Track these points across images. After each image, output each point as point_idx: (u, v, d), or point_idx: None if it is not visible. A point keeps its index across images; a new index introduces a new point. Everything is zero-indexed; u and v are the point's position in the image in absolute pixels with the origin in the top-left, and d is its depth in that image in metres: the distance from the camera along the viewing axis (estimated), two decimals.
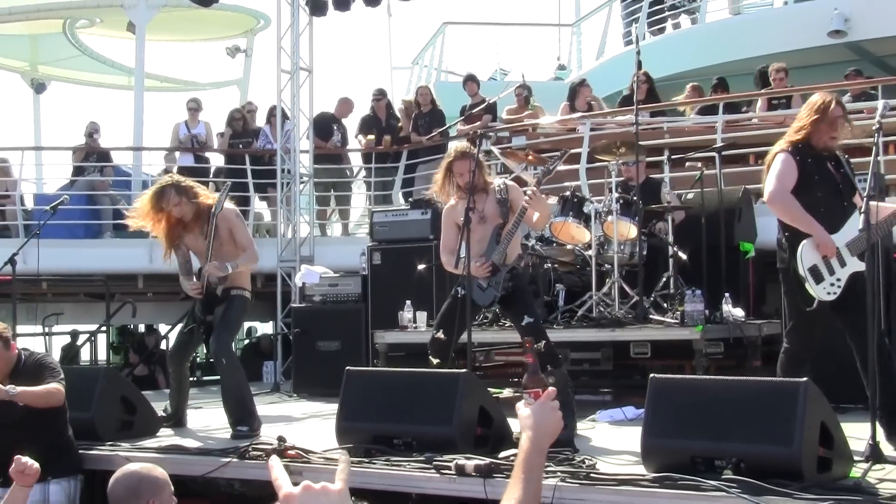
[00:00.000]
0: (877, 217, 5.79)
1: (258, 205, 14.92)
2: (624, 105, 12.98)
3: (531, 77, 16.18)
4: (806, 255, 5.93)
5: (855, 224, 5.83)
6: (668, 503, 5.05)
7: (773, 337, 8.80)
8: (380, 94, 14.85)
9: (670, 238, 9.22)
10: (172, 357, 8.26)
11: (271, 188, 13.97)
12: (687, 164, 10.65)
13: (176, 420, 8.12)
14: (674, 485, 5.03)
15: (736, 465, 4.98)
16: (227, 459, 6.37)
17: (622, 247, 8.91)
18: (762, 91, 12.53)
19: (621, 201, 8.98)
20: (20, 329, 10.09)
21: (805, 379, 5.08)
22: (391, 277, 10.46)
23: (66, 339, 17.24)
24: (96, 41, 21.05)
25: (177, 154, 15.05)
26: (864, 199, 5.66)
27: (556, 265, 9.27)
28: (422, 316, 9.52)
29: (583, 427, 7.28)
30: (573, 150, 11.86)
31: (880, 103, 6.43)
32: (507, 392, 8.91)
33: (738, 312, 8.77)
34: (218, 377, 8.27)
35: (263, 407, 8.64)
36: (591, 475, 5.37)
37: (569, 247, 9.18)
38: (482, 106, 12.86)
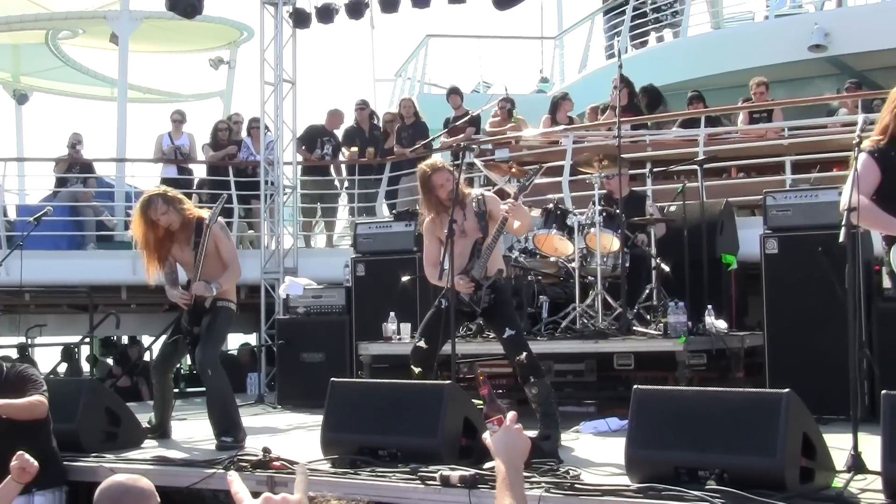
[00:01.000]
0: None
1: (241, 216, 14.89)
2: (599, 113, 13.06)
3: (514, 90, 16.19)
4: None
5: None
6: None
7: (756, 349, 8.86)
8: (362, 105, 14.87)
9: (652, 250, 9.26)
10: (156, 368, 8.26)
11: (255, 200, 13.96)
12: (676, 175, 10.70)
13: (161, 431, 8.11)
14: (658, 495, 5.05)
15: (719, 476, 5.00)
16: (213, 471, 6.37)
17: (605, 259, 8.94)
18: (744, 104, 12.61)
19: (604, 214, 9.02)
20: (2, 341, 10.05)
21: (787, 390, 5.11)
22: (375, 289, 10.46)
23: (49, 351, 17.14)
24: (79, 52, 20.99)
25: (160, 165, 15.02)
26: None
27: (539, 277, 9.29)
28: (406, 327, 9.50)
29: (567, 438, 7.30)
30: (556, 163, 11.95)
31: (860, 117, 6.49)
32: None
33: (721, 324, 8.80)
34: (202, 388, 8.26)
35: (248, 418, 8.62)
36: (576, 486, 5.39)
37: (552, 259, 9.22)
38: (465, 118, 12.91)
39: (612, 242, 8.95)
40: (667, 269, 9.24)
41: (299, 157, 14.21)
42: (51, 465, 6.61)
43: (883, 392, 4.98)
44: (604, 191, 9.60)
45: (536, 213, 9.18)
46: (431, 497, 5.59)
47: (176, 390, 13.61)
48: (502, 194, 10.89)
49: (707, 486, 4.96)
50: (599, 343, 8.48)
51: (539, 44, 22.25)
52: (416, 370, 7.13)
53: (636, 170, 11.02)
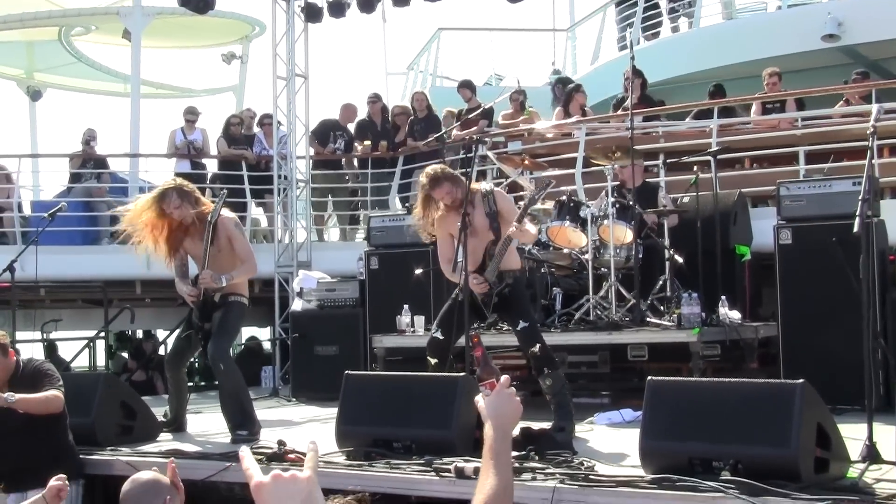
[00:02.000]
0: None
1: (255, 210, 14.92)
2: (618, 109, 13.02)
3: (526, 82, 16.16)
4: None
5: None
6: None
7: (770, 339, 8.85)
8: (375, 98, 14.84)
9: (666, 242, 9.24)
10: (170, 363, 8.26)
11: (268, 194, 13.98)
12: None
13: (176, 425, 8.13)
14: (672, 486, 5.06)
15: (734, 467, 5.01)
16: (228, 464, 6.39)
17: (618, 250, 8.93)
18: (757, 95, 12.56)
19: (617, 205, 9.01)
20: (19, 336, 10.09)
21: (801, 381, 5.10)
22: (389, 282, 10.46)
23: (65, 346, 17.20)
24: (92, 48, 21.01)
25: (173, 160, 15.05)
26: None
27: (552, 269, 9.30)
28: (420, 320, 9.50)
29: (581, 429, 7.30)
30: (569, 155, 11.95)
31: (875, 107, 6.47)
32: None
33: (735, 315, 8.79)
34: (216, 382, 8.28)
35: (262, 411, 8.65)
36: (590, 477, 5.41)
37: (565, 251, 9.20)
38: (478, 111, 12.89)
39: (626, 234, 8.94)
40: (680, 260, 9.23)
41: (312, 152, 14.21)
42: (67, 458, 6.66)
43: None
44: (617, 182, 9.59)
45: (550, 204, 9.17)
46: (446, 489, 5.60)
47: (191, 384, 13.73)
48: (516, 187, 10.99)
49: (721, 477, 4.96)
50: (613, 334, 8.49)
51: (551, 36, 22.18)
52: (432, 361, 7.12)
53: (650, 161, 11.00)
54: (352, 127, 14.84)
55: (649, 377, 5.59)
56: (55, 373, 6.57)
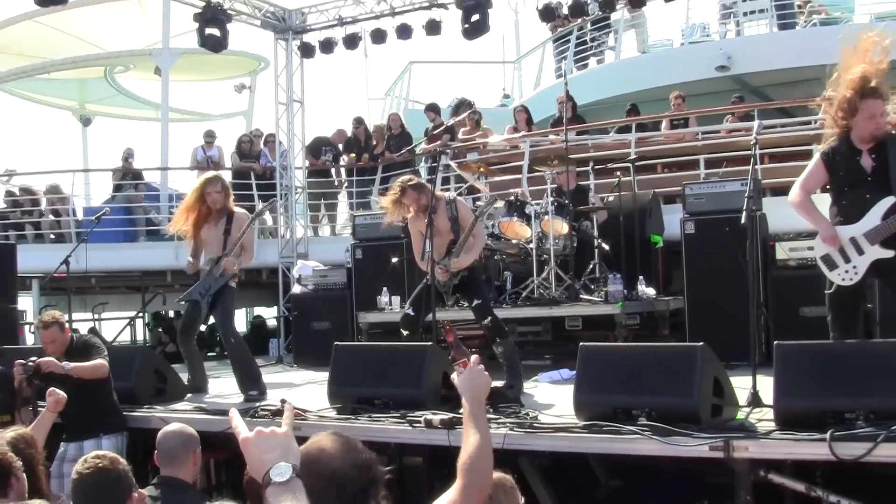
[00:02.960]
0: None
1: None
2: (555, 125, 13.01)
3: (481, 104, 16.11)
4: (817, 247, 5.73)
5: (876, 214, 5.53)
6: (595, 445, 5.12)
7: (678, 311, 8.87)
8: (358, 122, 14.89)
9: (595, 233, 9.25)
10: (181, 338, 8.22)
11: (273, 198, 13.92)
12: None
13: (198, 388, 8.08)
14: (600, 430, 5.07)
15: (648, 414, 5.01)
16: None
17: (557, 241, 8.93)
18: (665, 114, 12.61)
19: (556, 204, 9.00)
20: (73, 316, 10.00)
21: (701, 343, 5.11)
22: (371, 269, 10.41)
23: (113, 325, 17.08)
24: (130, 83, 20.93)
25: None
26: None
27: (504, 256, 9.28)
28: (396, 300, 9.49)
29: (528, 386, 7.30)
30: (516, 163, 11.94)
31: (756, 123, 6.50)
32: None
33: (651, 291, 8.83)
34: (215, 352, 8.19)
35: (269, 375, 8.59)
36: (534, 425, 5.40)
37: (514, 241, 9.19)
38: (442, 128, 12.88)
39: (563, 227, 8.94)
40: (607, 248, 9.23)
41: (307, 163, 14.16)
42: (113, 414, 6.63)
43: (775, 342, 5.01)
44: (555, 185, 9.57)
45: (501, 204, 9.15)
46: (418, 436, 5.59)
47: (212, 354, 13.65)
48: (473, 190, 10.98)
49: (639, 422, 4.97)
50: (553, 309, 8.50)
51: (501, 67, 22.17)
52: (405, 333, 7.13)
53: (581, 167, 10.99)
54: (340, 145, 14.91)
55: (582, 343, 5.57)
56: (101, 345, 6.55)
